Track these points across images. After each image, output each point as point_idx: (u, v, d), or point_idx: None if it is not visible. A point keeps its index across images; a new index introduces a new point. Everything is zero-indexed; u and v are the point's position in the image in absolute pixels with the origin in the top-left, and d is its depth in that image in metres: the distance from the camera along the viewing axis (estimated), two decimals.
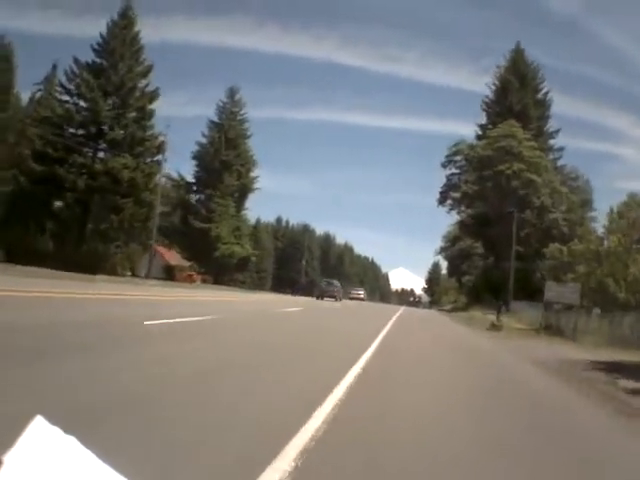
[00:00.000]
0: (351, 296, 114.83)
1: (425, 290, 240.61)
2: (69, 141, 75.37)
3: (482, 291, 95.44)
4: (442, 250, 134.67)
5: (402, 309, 79.93)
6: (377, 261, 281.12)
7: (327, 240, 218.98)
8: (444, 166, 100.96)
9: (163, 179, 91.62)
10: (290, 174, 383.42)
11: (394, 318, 47.16)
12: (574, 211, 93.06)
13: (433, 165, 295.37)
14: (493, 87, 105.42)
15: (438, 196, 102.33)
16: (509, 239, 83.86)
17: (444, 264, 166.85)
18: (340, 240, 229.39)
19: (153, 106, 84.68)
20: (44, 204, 74.77)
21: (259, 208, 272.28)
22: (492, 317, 58.28)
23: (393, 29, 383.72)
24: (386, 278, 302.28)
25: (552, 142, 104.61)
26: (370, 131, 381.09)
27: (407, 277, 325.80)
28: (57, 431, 1.88)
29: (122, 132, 79.56)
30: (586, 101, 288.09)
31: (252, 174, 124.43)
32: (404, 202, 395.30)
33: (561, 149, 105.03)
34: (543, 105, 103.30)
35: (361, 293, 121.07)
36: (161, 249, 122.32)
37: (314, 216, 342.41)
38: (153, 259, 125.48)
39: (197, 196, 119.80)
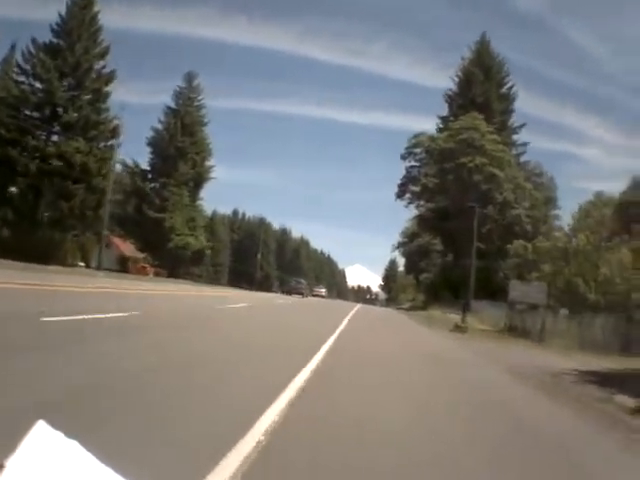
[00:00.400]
0: (314, 293, 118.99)
1: (382, 287, 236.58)
2: (24, 123, 72.18)
3: (441, 289, 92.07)
4: (400, 246, 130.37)
5: (358, 306, 76.71)
6: (334, 257, 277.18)
7: (283, 234, 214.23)
8: (403, 158, 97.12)
9: (118, 165, 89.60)
10: (248, 167, 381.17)
11: (349, 316, 44.02)
12: (537, 208, 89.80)
13: (393, 161, 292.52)
14: (457, 79, 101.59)
15: (397, 189, 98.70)
16: (470, 235, 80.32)
17: (401, 261, 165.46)
18: (296, 234, 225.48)
19: (109, 88, 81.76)
20: None
21: (216, 200, 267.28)
22: (453, 317, 55.63)
23: (357, 22, 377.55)
24: (343, 275, 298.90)
25: (515, 137, 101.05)
26: (330, 125, 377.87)
27: (364, 274, 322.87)
28: (59, 435, 1.83)
29: (76, 115, 76.40)
30: (550, 99, 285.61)
31: (208, 163, 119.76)
32: (362, 198, 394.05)
33: (525, 144, 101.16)
34: (507, 99, 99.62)
35: (322, 291, 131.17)
36: (116, 240, 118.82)
37: (271, 210, 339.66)
38: (107, 250, 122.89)
39: (152, 184, 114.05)
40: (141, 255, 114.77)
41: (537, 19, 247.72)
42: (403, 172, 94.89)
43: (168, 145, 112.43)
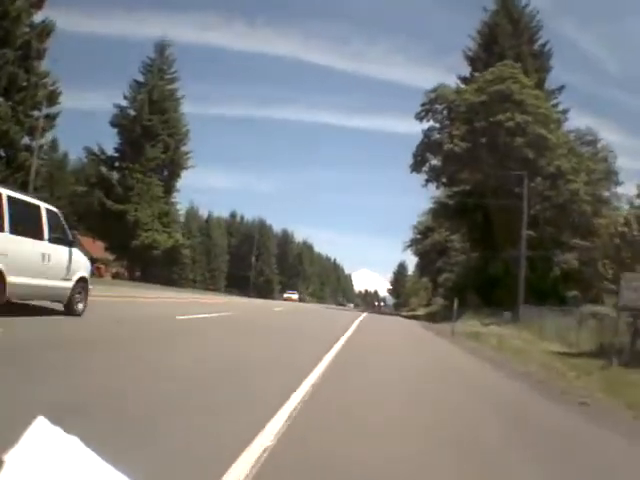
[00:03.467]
0: (284, 297, 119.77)
1: (390, 292, 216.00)
2: None
3: (466, 292, 67.92)
4: (412, 244, 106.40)
5: (358, 321, 44.60)
6: (339, 262, 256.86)
7: (285, 237, 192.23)
8: (420, 118, 69.06)
9: (45, 140, 68.91)
10: (251, 172, 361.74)
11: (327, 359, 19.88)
12: (594, 184, 63.40)
13: (398, 165, 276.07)
14: (477, 38, 75.54)
15: (411, 160, 70.08)
16: (510, 220, 56.21)
17: (412, 262, 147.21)
18: (299, 238, 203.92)
19: (45, 45, 61.56)
20: None
21: (215, 205, 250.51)
22: (499, 330, 39.15)
23: (357, 26, 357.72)
24: (349, 279, 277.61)
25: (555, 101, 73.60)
26: (333, 130, 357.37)
27: (371, 278, 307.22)
28: (59, 431, 1.79)
29: None
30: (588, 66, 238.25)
31: (184, 148, 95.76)
32: (367, 203, 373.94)
33: (565, 111, 74.07)
34: (541, 56, 74.19)
35: (294, 296, 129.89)
36: (85, 239, 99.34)
37: (273, 215, 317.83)
38: None
39: (119, 174, 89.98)
40: (112, 257, 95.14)
41: None
42: (419, 137, 68.20)
43: (133, 124, 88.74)
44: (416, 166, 68.18)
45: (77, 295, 18.34)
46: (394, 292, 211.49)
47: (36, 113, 60.83)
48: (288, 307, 54.29)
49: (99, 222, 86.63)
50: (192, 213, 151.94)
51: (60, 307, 17.93)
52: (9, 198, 15.48)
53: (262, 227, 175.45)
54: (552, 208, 59.87)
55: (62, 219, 18.53)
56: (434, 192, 77.62)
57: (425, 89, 67.53)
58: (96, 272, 79.42)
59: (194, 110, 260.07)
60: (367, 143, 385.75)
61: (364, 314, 63.71)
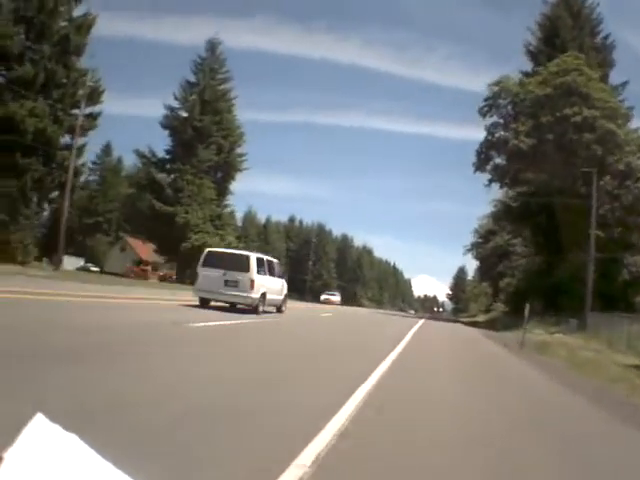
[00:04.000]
0: (322, 299, 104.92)
1: (449, 297, 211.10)
2: None
3: (530, 297, 63.65)
4: (472, 248, 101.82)
5: (416, 328, 38.03)
6: (399, 267, 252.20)
7: (344, 242, 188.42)
8: (482, 114, 63.88)
9: (88, 140, 65.06)
10: (310, 178, 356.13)
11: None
12: None
13: (459, 172, 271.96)
14: (537, 32, 70.74)
15: (474, 159, 64.85)
16: (576, 221, 51.99)
17: (471, 268, 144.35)
18: (358, 242, 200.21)
19: (85, 39, 59.59)
20: None
21: (274, 210, 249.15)
22: (566, 340, 35.35)
23: (415, 32, 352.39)
24: (408, 284, 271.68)
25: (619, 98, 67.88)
26: (392, 136, 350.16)
27: (430, 284, 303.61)
28: (58, 429, 1.70)
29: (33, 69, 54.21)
30: None
31: (239, 150, 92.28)
32: (427, 209, 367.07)
33: (631, 108, 68.15)
34: (603, 50, 69.19)
35: (334, 297, 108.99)
36: (136, 242, 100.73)
37: (332, 220, 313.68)
38: (122, 253, 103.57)
39: (170, 176, 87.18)
40: (161, 259, 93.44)
41: None
42: (482, 134, 63.29)
43: (184, 125, 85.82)
44: (480, 164, 63.20)
45: (283, 303, 34.03)
46: (453, 297, 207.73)
47: (76, 112, 58.51)
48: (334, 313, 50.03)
49: (149, 224, 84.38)
50: (250, 218, 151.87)
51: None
52: (265, 260, 31.18)
53: (321, 231, 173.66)
54: (621, 208, 55.19)
55: (277, 264, 34.38)
56: (496, 195, 74.07)
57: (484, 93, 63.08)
58: (138, 274, 77.41)
59: (252, 116, 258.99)
60: (428, 150, 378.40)
61: (422, 320, 59.20)
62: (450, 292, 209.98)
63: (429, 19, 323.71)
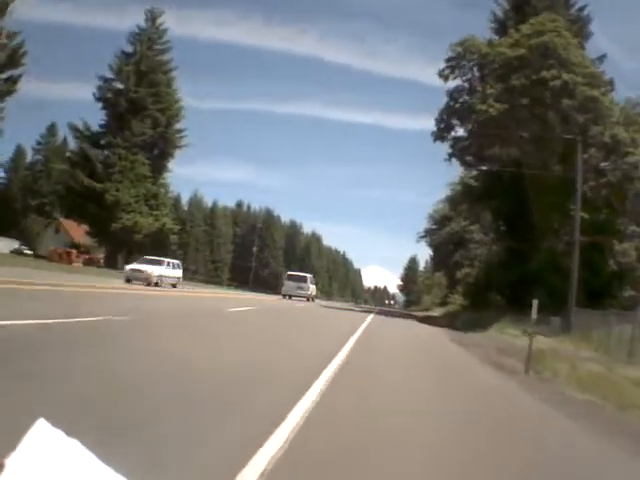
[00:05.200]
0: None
1: (400, 288, 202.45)
2: None
3: (492, 290, 55.79)
4: (427, 234, 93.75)
5: (362, 329, 29.47)
6: (349, 256, 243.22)
7: (293, 229, 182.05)
8: (444, 76, 52.87)
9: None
10: (261, 167, 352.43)
11: None
12: None
13: (411, 162, 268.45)
14: (505, 1, 61.77)
15: (434, 127, 53.84)
16: (554, 203, 44.32)
17: (423, 258, 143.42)
18: (307, 229, 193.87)
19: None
20: None
21: (225, 197, 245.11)
22: (552, 344, 27.23)
23: (374, 23, 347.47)
24: (358, 275, 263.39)
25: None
26: (345, 127, 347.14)
27: (381, 275, 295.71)
28: (60, 434, 1.71)
29: None
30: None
31: (177, 126, 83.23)
32: (378, 199, 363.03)
33: (610, 82, 59.74)
34: (578, 21, 60.80)
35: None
36: (69, 223, 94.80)
37: (282, 208, 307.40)
38: (56, 235, 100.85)
39: (103, 152, 78.06)
40: (93, 241, 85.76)
41: None
42: (443, 100, 53.32)
43: (118, 97, 77.08)
44: (439, 133, 53.02)
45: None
46: (404, 289, 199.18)
47: None
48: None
49: (78, 203, 75.40)
50: (196, 202, 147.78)
51: None
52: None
53: (269, 217, 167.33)
54: (607, 186, 46.86)
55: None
56: (454, 178, 67.50)
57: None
58: (62, 257, 68.93)
59: (208, 105, 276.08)
60: (383, 140, 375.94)
61: (370, 316, 47.93)
62: (401, 283, 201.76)
63: (387, 10, 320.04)
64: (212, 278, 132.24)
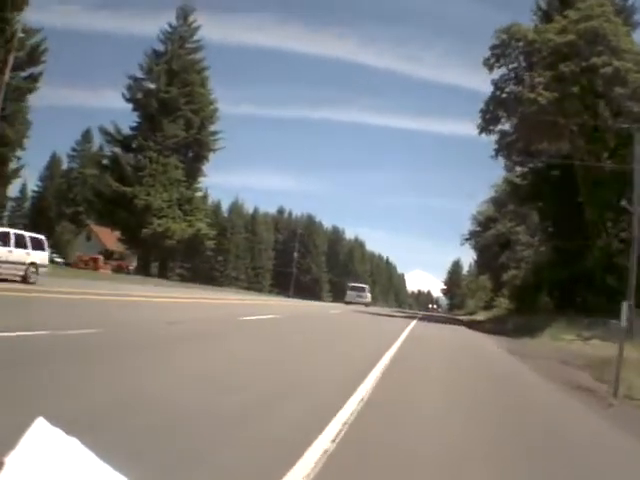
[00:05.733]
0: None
1: (444, 292, 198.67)
2: None
3: (540, 292, 52.16)
4: (471, 236, 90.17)
5: (405, 334, 26.96)
6: (392, 261, 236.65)
7: (336, 235, 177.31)
8: (489, 65, 49.01)
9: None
10: (305, 173, 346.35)
11: None
12: None
13: (453, 167, 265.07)
14: None
15: (479, 119, 49.77)
16: (607, 198, 40.61)
17: (466, 262, 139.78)
18: (350, 235, 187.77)
19: None
20: None
21: (266, 203, 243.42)
22: (614, 351, 16.27)
23: (414, 28, 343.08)
24: (402, 279, 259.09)
25: None
26: (387, 132, 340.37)
27: (424, 279, 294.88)
28: (59, 433, 1.74)
29: None
30: None
31: (212, 128, 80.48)
32: (422, 204, 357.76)
33: None
34: (624, 11, 56.12)
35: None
36: (101, 230, 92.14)
37: (324, 214, 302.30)
38: (88, 242, 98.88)
39: (137, 156, 75.52)
40: (124, 248, 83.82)
41: None
42: (489, 89, 49.08)
43: (149, 98, 74.51)
44: (485, 125, 48.74)
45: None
46: (448, 292, 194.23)
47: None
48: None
49: (108, 209, 72.87)
50: (237, 208, 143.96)
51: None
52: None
53: (310, 223, 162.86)
54: None
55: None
56: (499, 178, 63.98)
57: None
58: (87, 264, 66.50)
59: (248, 111, 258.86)
60: (424, 145, 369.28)
61: (413, 322, 43.65)
62: (445, 287, 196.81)
63: (426, 15, 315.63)
64: (253, 285, 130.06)
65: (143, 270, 72.43)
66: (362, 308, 66.03)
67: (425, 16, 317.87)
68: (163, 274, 77.04)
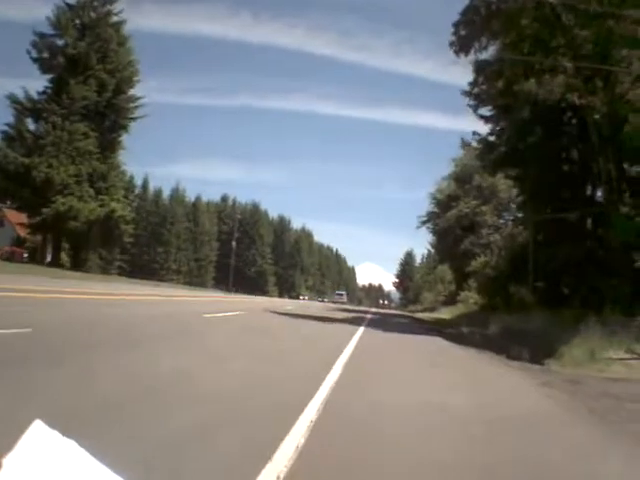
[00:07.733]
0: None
1: (396, 286, 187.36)
2: None
3: (520, 283, 39.54)
4: (429, 217, 77.56)
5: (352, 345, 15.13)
6: (342, 254, 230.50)
7: (282, 225, 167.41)
8: None
9: None
10: (250, 162, 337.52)
11: None
12: None
13: (404, 158, 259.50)
14: None
15: (451, 34, 34.95)
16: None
17: (419, 253, 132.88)
18: (297, 225, 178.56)
19: None
20: None
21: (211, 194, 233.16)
22: None
23: (363, 18, 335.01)
24: (352, 272, 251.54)
25: None
26: (339, 121, 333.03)
27: (376, 272, 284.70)
28: (56, 434, 1.75)
29: None
30: None
31: (132, 92, 67.95)
32: (372, 196, 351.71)
33: None
34: None
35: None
36: (16, 215, 74.79)
37: (270, 205, 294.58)
38: (2, 228, 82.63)
39: (37, 121, 63.17)
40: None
41: None
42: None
43: (56, 55, 61.59)
44: (460, 44, 35.70)
45: None
46: (400, 287, 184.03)
47: None
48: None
49: (13, 187, 59.80)
50: (177, 197, 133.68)
51: None
52: None
53: (255, 212, 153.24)
54: None
55: None
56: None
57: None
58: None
59: (194, 101, 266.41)
60: (377, 136, 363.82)
61: (361, 328, 28.44)
62: (397, 280, 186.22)
63: (375, 5, 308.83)
64: (195, 278, 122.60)
65: (55, 260, 60.30)
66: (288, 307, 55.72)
67: (373, 6, 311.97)
68: (77, 264, 64.70)
